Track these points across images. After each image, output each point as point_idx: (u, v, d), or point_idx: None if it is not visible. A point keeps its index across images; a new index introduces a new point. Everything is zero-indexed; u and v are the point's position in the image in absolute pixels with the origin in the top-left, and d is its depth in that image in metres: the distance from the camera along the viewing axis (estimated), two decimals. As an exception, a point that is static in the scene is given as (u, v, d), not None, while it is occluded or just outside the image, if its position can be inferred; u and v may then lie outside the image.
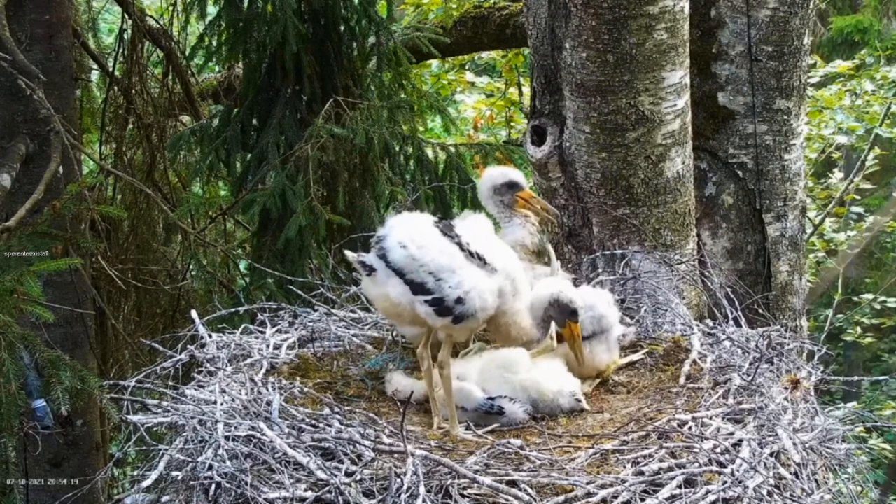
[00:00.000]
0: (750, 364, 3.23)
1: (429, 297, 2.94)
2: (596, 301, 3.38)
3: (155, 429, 3.08)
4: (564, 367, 3.21)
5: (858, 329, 11.00)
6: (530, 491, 2.57)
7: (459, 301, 2.93)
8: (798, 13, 4.35)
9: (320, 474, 2.62)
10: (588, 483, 2.58)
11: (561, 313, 3.17)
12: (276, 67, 5.67)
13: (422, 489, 2.51)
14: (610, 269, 3.95)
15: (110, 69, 6.94)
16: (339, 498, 2.54)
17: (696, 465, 2.68)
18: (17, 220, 4.40)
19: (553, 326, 3.19)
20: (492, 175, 3.60)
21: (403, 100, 5.84)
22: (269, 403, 2.94)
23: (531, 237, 3.54)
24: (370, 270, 3.03)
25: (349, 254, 3.16)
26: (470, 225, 3.19)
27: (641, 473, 2.64)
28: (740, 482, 2.62)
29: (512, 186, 3.55)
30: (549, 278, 3.32)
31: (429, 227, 3.05)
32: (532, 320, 3.16)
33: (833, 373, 3.43)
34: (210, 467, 2.72)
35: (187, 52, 6.52)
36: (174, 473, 2.85)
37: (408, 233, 3.01)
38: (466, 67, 10.18)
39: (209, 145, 5.76)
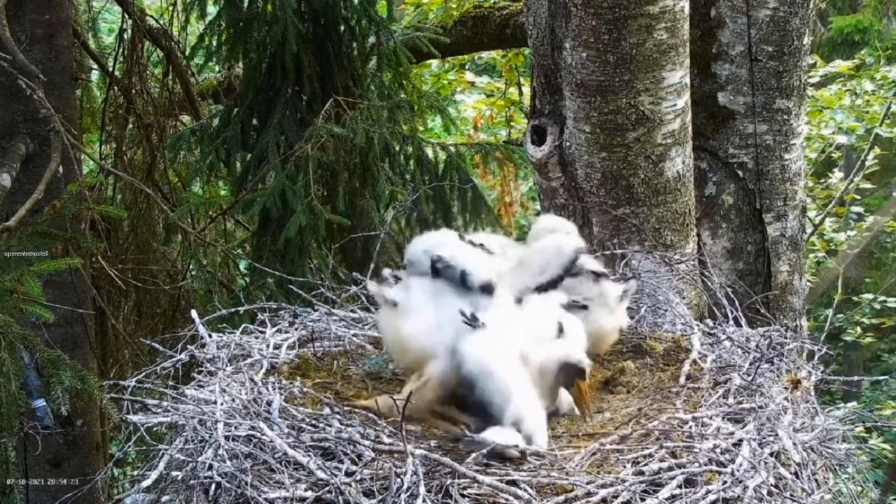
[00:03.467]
0: (750, 364, 3.22)
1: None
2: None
3: (155, 429, 3.08)
4: None
5: (858, 329, 10.99)
6: (530, 491, 2.57)
7: None
8: (798, 13, 4.35)
9: (320, 474, 2.61)
10: (588, 483, 2.58)
11: (568, 375, 3.04)
12: (276, 67, 5.67)
13: (422, 489, 2.51)
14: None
15: (110, 69, 6.94)
16: (339, 498, 2.53)
17: (696, 464, 2.67)
18: (17, 220, 4.40)
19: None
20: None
21: (403, 100, 5.84)
22: (269, 403, 2.94)
23: None
24: (393, 304, 3.07)
25: (371, 285, 3.21)
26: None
27: (641, 473, 2.63)
28: (740, 482, 2.61)
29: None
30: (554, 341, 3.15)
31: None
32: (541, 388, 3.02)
33: (833, 373, 3.42)
34: (210, 467, 2.71)
35: (187, 52, 6.52)
36: (174, 473, 2.84)
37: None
38: (466, 67, 10.18)
39: (209, 145, 5.76)
